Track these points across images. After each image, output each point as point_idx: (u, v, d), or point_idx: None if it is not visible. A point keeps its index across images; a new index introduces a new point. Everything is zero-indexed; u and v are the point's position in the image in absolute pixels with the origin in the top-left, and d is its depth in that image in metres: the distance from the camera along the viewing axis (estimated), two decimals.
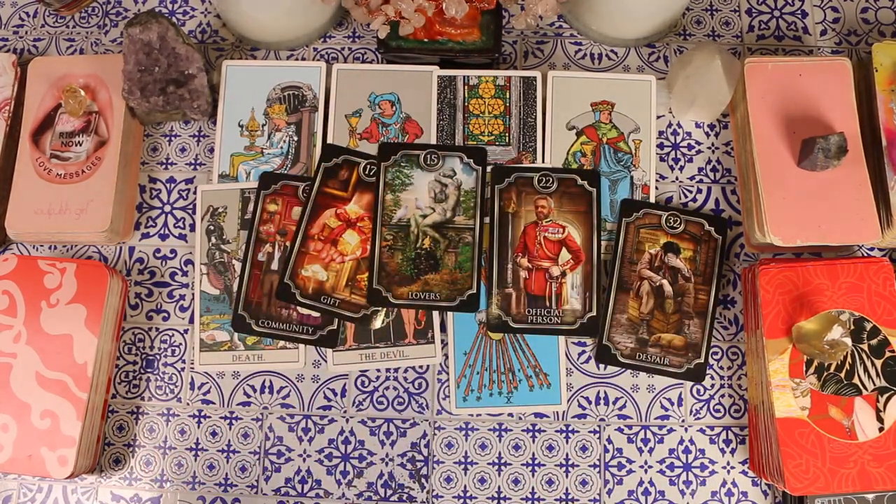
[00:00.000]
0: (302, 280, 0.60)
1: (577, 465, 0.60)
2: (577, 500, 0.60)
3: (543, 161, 0.64)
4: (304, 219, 0.61)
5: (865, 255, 0.63)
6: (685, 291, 0.60)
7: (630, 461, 0.60)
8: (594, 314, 0.60)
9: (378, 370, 0.62)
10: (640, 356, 0.60)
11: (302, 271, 0.61)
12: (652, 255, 0.61)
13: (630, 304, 0.60)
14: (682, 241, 0.61)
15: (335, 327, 0.61)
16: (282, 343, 0.62)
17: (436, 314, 0.62)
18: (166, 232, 0.66)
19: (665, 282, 0.60)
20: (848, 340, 0.55)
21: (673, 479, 0.60)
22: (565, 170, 0.62)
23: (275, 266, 0.62)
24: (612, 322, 0.60)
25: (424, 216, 0.62)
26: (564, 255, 0.61)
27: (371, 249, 0.61)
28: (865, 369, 0.56)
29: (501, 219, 0.61)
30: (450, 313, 0.61)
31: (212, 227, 0.63)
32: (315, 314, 0.61)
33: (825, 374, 0.56)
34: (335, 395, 0.62)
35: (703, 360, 0.60)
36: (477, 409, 0.60)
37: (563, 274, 0.60)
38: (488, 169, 0.63)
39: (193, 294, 0.63)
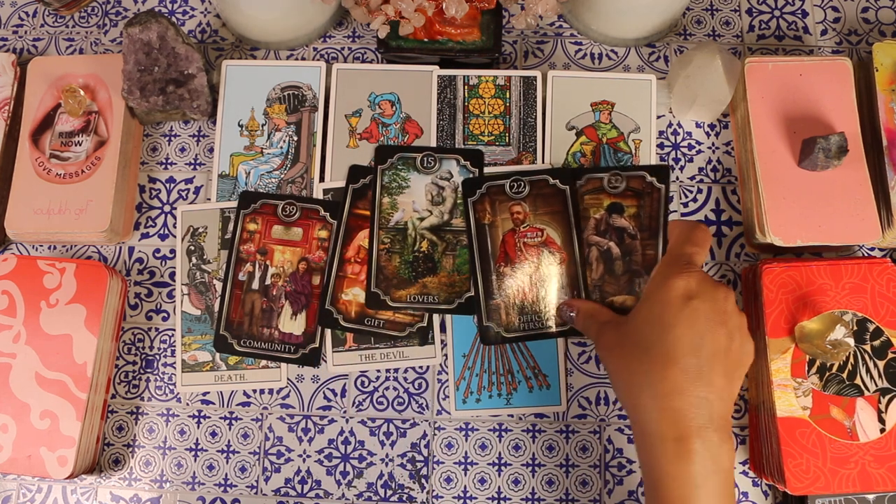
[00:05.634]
0: (343, 304, 0.60)
1: (578, 466, 0.60)
2: (578, 500, 0.60)
3: (543, 161, 0.64)
4: (337, 243, 0.61)
5: (866, 255, 0.63)
6: (632, 250, 0.57)
7: (630, 461, 0.60)
8: None
9: (378, 370, 0.62)
10: None
11: (342, 296, 0.61)
12: (597, 220, 0.59)
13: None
14: (626, 199, 0.59)
15: (317, 345, 0.61)
16: (263, 362, 0.61)
17: (435, 315, 0.61)
18: (166, 232, 0.66)
19: (612, 244, 0.58)
20: (850, 341, 0.55)
21: None
22: (535, 171, 0.61)
23: (255, 285, 0.61)
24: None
25: (422, 219, 0.62)
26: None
27: (369, 253, 0.61)
28: (868, 370, 0.56)
29: (479, 231, 0.60)
30: (448, 315, 0.61)
31: (192, 248, 0.63)
32: (297, 333, 0.61)
33: (827, 374, 0.56)
34: (335, 395, 0.62)
35: None
36: (476, 412, 0.60)
37: None
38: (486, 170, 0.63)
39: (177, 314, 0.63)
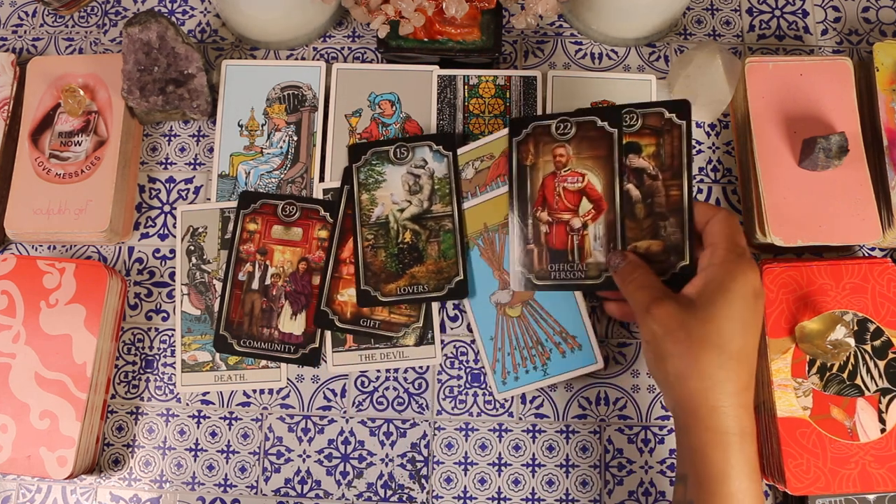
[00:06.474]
0: (339, 305, 0.60)
1: (578, 466, 0.60)
2: (578, 500, 0.59)
3: None
4: (333, 244, 0.61)
5: (866, 255, 0.63)
6: (654, 191, 0.54)
7: (630, 461, 0.60)
8: None
9: (378, 371, 0.62)
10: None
11: (338, 296, 0.61)
12: None
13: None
14: (643, 138, 0.55)
15: (317, 345, 0.61)
16: (263, 362, 0.61)
17: (436, 313, 0.61)
18: (165, 232, 0.66)
19: (630, 186, 0.55)
20: (851, 341, 0.55)
21: (673, 479, 0.59)
22: (586, 110, 0.58)
23: (255, 285, 0.61)
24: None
25: (402, 210, 0.61)
26: (585, 205, 0.57)
27: (354, 251, 0.61)
28: (868, 370, 0.56)
29: (520, 173, 0.58)
30: (466, 303, 0.61)
31: (192, 248, 0.63)
32: (297, 333, 0.61)
33: (827, 374, 0.56)
34: (335, 395, 0.62)
35: (688, 262, 0.52)
36: (519, 390, 0.60)
37: (585, 226, 0.56)
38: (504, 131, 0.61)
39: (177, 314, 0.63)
